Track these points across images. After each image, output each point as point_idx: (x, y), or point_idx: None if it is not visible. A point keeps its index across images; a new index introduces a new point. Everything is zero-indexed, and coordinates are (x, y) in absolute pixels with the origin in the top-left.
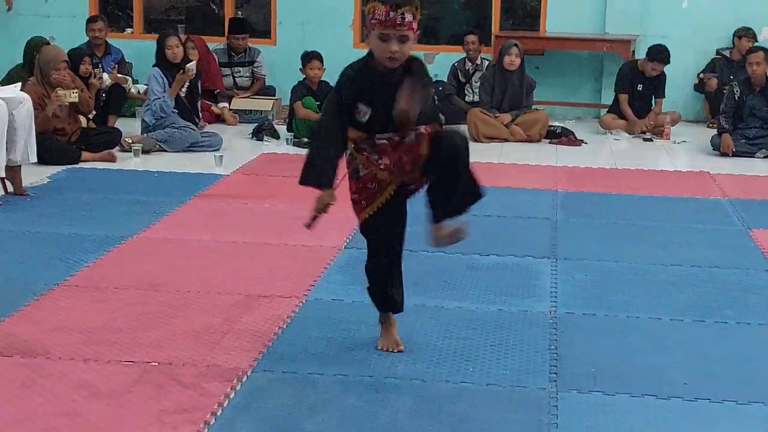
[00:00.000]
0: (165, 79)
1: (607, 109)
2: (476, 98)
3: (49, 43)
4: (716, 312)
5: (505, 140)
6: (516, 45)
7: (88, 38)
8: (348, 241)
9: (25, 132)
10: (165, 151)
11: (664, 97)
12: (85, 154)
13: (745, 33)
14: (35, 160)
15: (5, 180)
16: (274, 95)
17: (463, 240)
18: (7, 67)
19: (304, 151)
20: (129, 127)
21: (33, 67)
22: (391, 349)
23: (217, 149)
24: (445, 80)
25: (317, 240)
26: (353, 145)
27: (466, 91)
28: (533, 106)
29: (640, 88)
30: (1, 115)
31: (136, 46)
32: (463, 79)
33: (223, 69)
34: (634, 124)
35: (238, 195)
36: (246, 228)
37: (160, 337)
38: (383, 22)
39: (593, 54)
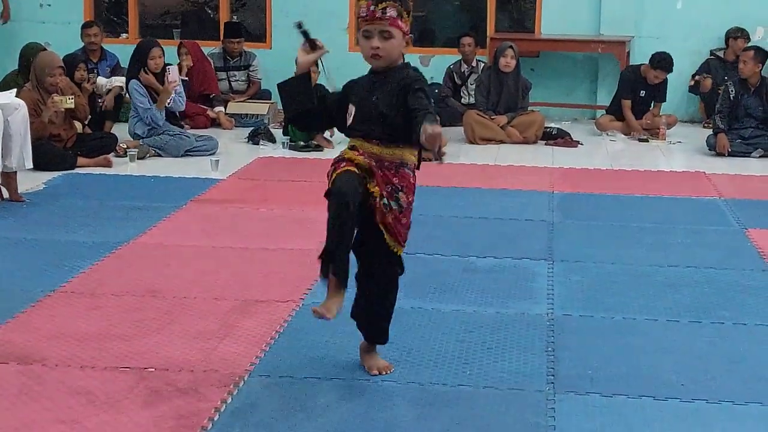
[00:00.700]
0: (145, 89)
1: (604, 111)
2: (472, 100)
3: (44, 49)
4: (713, 313)
5: (502, 142)
6: (511, 47)
7: (83, 44)
8: None
9: (21, 138)
10: (161, 156)
11: (665, 101)
12: (80, 160)
13: (740, 34)
14: (31, 166)
15: (1, 186)
16: (269, 99)
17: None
18: (2, 74)
19: (300, 155)
20: (124, 132)
21: (28, 73)
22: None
23: (213, 153)
24: (441, 83)
25: (313, 244)
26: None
27: (462, 94)
28: (529, 108)
29: (643, 94)
30: None
31: (132, 52)
32: (458, 82)
33: (218, 73)
34: (635, 130)
35: (235, 199)
36: (242, 232)
37: (157, 343)
38: (364, 17)
39: (588, 55)
